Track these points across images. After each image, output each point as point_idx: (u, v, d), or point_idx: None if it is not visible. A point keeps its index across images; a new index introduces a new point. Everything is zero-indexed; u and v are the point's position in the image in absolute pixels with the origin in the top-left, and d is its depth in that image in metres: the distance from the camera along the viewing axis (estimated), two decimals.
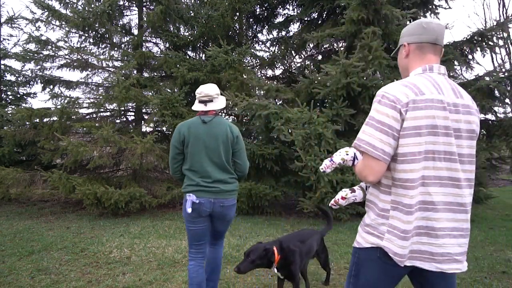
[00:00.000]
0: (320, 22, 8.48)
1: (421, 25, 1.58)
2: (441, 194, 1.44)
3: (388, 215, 1.49)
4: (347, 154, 1.75)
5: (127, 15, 8.38)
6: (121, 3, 8.03)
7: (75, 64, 7.82)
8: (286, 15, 9.47)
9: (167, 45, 8.42)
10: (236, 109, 6.53)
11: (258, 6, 9.25)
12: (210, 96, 2.63)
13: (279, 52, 8.76)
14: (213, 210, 2.58)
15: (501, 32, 8.91)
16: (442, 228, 1.44)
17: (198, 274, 2.62)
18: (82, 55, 7.66)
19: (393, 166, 1.47)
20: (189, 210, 2.53)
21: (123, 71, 7.17)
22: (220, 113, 2.90)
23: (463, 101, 1.50)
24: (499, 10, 17.16)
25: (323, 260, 3.32)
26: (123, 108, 7.81)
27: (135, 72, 7.77)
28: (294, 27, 9.49)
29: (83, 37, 7.85)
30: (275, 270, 2.74)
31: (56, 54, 7.67)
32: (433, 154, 1.43)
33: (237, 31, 8.82)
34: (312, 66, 8.24)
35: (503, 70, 7.10)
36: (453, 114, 1.46)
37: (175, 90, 7.54)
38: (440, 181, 1.44)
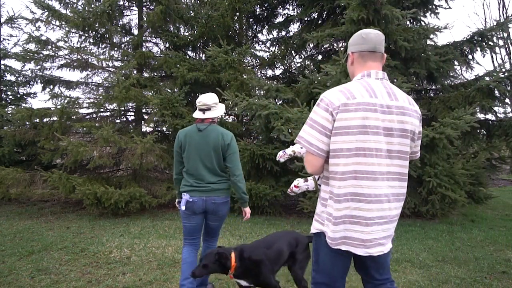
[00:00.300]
0: (320, 22, 8.47)
1: (360, 36, 1.75)
2: (372, 187, 1.62)
3: (326, 203, 1.73)
4: (301, 148, 2.05)
5: (127, 15, 8.38)
6: (121, 3, 8.02)
7: (75, 64, 7.81)
8: (286, 15, 9.47)
9: (167, 45, 8.41)
10: (236, 109, 6.53)
11: (258, 6, 9.24)
12: (208, 105, 2.88)
13: (279, 52, 8.74)
14: (206, 207, 2.86)
15: (501, 32, 8.90)
16: (372, 217, 1.63)
17: (190, 255, 2.92)
18: (82, 55, 7.66)
19: (329, 161, 1.67)
20: (183, 207, 2.84)
21: (123, 71, 7.16)
22: (217, 120, 3.05)
23: (397, 103, 1.66)
24: (499, 10, 17.16)
25: (296, 271, 2.76)
26: (123, 108, 7.80)
27: (135, 72, 7.77)
28: (294, 27, 9.50)
29: (83, 37, 7.83)
30: (233, 277, 2.61)
31: (56, 54, 7.66)
32: (364, 151, 1.60)
33: (237, 31, 8.82)
34: (312, 66, 8.23)
35: (503, 70, 7.06)
36: (386, 115, 1.63)
37: (175, 90, 7.54)
38: (372, 175, 1.62)
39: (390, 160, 1.66)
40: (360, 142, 1.60)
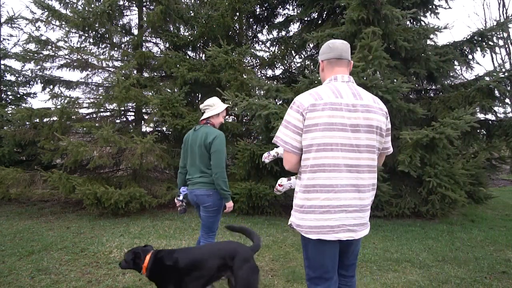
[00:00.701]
0: (320, 22, 8.47)
1: (328, 45, 1.98)
2: (339, 178, 1.79)
3: (296, 196, 1.91)
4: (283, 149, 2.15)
5: (127, 15, 8.38)
6: (121, 3, 8.02)
7: (75, 64, 7.81)
8: (286, 15, 9.47)
9: (167, 45, 8.41)
10: (236, 109, 6.53)
11: (258, 6, 9.24)
12: (204, 108, 3.27)
13: (279, 52, 8.74)
14: (192, 198, 3.22)
15: (501, 32, 8.90)
16: (340, 205, 1.80)
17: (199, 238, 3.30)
18: (82, 55, 7.65)
19: (301, 156, 1.86)
20: (180, 197, 3.26)
21: (123, 71, 7.16)
22: (220, 119, 3.33)
23: (362, 102, 1.85)
24: (499, 10, 17.16)
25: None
26: (123, 108, 7.80)
27: (135, 72, 7.76)
28: (294, 27, 9.50)
29: (83, 37, 7.83)
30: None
31: (56, 54, 7.66)
32: (331, 145, 1.78)
33: (237, 31, 8.82)
34: (312, 66, 8.23)
35: (503, 70, 7.06)
36: (352, 113, 1.81)
37: (175, 90, 7.53)
38: (338, 168, 1.79)
39: (360, 154, 1.82)
40: (327, 138, 1.78)
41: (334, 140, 1.78)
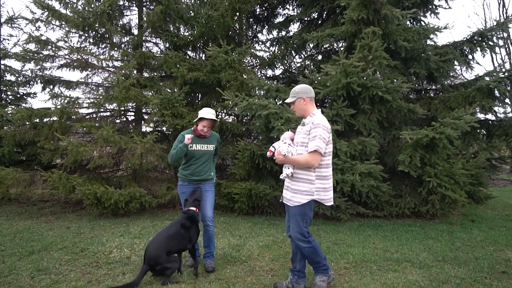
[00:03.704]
0: (320, 22, 8.47)
1: (309, 88, 3.21)
2: (330, 172, 3.19)
3: (314, 182, 3.07)
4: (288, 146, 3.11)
5: (127, 15, 8.38)
6: (121, 3, 8.02)
7: (75, 64, 7.79)
8: (286, 15, 9.46)
9: (167, 45, 8.40)
10: (236, 109, 6.52)
11: (258, 6, 9.24)
12: None
13: (279, 52, 8.73)
14: None
15: (501, 32, 8.90)
16: (330, 187, 3.20)
17: None
18: (82, 55, 7.64)
19: (322, 158, 3.06)
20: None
21: (123, 71, 7.15)
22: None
23: None
24: (499, 10, 17.12)
25: None
26: (123, 108, 7.79)
27: (135, 72, 7.76)
28: (294, 27, 9.49)
29: (83, 37, 7.83)
30: None
31: (56, 54, 7.65)
32: (331, 154, 3.17)
33: (237, 31, 8.82)
34: (312, 66, 8.23)
35: (503, 70, 7.06)
36: (330, 133, 3.14)
37: (175, 90, 7.52)
38: (331, 167, 3.18)
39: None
40: (330, 148, 3.14)
41: (331, 149, 3.15)
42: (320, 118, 3.05)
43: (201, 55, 9.11)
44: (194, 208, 3.66)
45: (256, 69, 9.09)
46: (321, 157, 2.99)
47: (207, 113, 3.80)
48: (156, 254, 3.37)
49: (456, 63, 7.27)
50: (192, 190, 3.80)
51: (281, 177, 3.18)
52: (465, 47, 7.34)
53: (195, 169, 3.82)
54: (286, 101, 3.28)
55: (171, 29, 8.36)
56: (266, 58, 8.81)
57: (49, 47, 7.54)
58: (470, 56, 7.52)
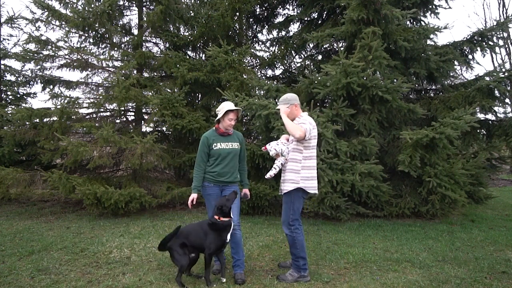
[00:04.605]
0: (320, 22, 8.46)
1: (296, 96, 3.72)
2: (314, 163, 3.59)
3: (300, 171, 3.52)
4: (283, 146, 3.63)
5: (127, 15, 8.38)
6: (121, 3, 8.02)
7: (75, 64, 7.79)
8: (286, 15, 9.46)
9: (167, 45, 8.40)
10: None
11: (258, 6, 9.23)
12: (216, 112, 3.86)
13: (279, 52, 8.73)
14: None
15: (501, 32, 8.89)
16: (315, 176, 3.64)
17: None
18: (82, 55, 7.64)
19: (304, 151, 3.55)
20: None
21: (123, 71, 7.15)
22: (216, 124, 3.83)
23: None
24: (499, 10, 17.12)
25: None
26: (123, 108, 7.79)
27: (135, 72, 7.76)
28: (294, 27, 9.48)
29: (83, 37, 7.83)
30: None
31: (56, 54, 7.65)
32: (315, 147, 3.60)
33: (237, 31, 8.81)
34: (312, 66, 8.23)
35: (503, 70, 7.06)
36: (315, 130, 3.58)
37: (175, 90, 7.53)
38: (315, 159, 3.60)
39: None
40: (314, 142, 3.60)
41: (315, 143, 3.61)
42: (307, 117, 3.56)
43: (201, 55, 9.11)
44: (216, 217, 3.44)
45: (256, 69, 9.09)
46: (304, 135, 3.39)
47: (231, 105, 3.70)
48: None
49: (456, 63, 7.27)
50: (223, 196, 3.59)
51: (266, 176, 3.65)
52: (465, 47, 7.34)
53: (222, 169, 3.64)
54: (281, 107, 3.66)
55: (171, 29, 8.36)
56: (266, 58, 8.81)
57: (49, 47, 7.54)
58: (470, 56, 7.52)
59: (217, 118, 3.71)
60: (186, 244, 3.43)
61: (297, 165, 3.49)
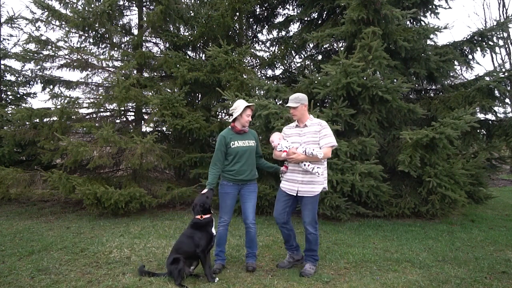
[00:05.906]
0: (320, 22, 8.46)
1: (306, 96, 3.78)
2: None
3: (324, 174, 3.71)
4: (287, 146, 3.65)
5: (127, 15, 8.38)
6: (121, 3, 8.01)
7: (75, 64, 7.79)
8: (286, 15, 9.46)
9: (167, 45, 8.40)
10: None
11: (258, 6, 9.23)
12: (231, 111, 3.91)
13: (279, 52, 8.73)
14: None
15: (501, 32, 8.89)
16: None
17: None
18: (82, 55, 7.64)
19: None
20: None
21: (123, 71, 7.15)
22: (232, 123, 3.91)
23: None
24: (499, 10, 17.10)
25: None
26: (123, 108, 7.79)
27: (135, 72, 7.76)
28: (294, 27, 9.48)
29: (83, 37, 7.82)
30: None
31: (56, 54, 7.64)
32: None
33: (237, 31, 8.81)
34: (312, 66, 8.23)
35: (503, 70, 7.05)
36: None
37: (175, 90, 7.52)
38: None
39: None
40: None
41: None
42: (322, 122, 3.74)
43: (201, 55, 9.11)
44: (198, 216, 3.57)
45: (256, 69, 9.09)
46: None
47: (246, 101, 3.84)
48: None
49: (456, 63, 7.27)
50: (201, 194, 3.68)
51: (313, 172, 3.55)
52: (465, 47, 7.34)
53: (240, 167, 3.72)
54: (291, 105, 3.70)
55: (171, 29, 8.36)
56: (266, 58, 8.81)
57: (49, 47, 7.53)
58: (470, 56, 7.52)
59: (234, 116, 3.78)
60: (179, 259, 3.45)
61: (324, 167, 3.68)
